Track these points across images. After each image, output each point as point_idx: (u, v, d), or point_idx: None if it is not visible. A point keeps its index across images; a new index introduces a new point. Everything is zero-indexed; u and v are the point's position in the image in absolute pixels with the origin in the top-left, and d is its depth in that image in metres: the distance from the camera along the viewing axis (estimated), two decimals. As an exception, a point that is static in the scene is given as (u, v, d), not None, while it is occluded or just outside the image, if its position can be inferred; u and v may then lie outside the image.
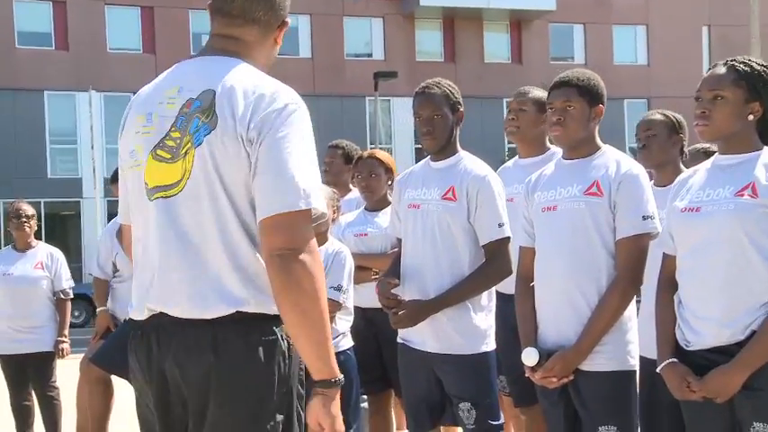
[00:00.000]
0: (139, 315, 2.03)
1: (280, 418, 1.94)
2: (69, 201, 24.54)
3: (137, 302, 2.05)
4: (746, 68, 2.56)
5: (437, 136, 3.29)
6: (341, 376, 1.92)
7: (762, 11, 18.64)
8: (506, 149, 24.99)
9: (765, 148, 2.58)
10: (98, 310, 5.29)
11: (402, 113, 27.44)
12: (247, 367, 1.92)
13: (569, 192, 2.91)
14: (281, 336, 1.95)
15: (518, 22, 28.38)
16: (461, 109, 3.35)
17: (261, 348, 1.91)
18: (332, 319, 3.85)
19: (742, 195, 2.48)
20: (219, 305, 1.92)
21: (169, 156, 1.97)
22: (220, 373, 1.91)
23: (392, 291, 3.27)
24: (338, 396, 1.93)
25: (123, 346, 5.12)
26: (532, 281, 3.01)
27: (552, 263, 2.91)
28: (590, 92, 2.93)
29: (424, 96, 3.30)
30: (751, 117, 2.55)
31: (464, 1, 26.87)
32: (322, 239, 3.91)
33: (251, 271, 1.94)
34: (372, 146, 22.18)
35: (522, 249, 3.09)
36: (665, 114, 3.35)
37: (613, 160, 2.92)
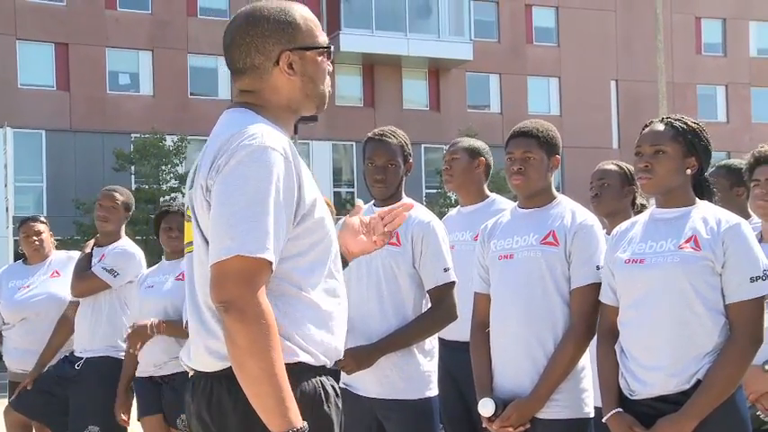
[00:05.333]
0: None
1: None
2: (-27, 239, 23.59)
3: None
4: (683, 125, 2.67)
5: (389, 184, 3.32)
6: (300, 425, 1.80)
7: (667, 68, 19.56)
8: (424, 194, 25.29)
9: (699, 201, 2.68)
10: None
11: (321, 157, 27.51)
12: (238, 426, 1.88)
13: (526, 241, 2.96)
14: None
15: (436, 71, 28.95)
16: (411, 160, 3.40)
17: (248, 405, 1.84)
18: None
19: (685, 248, 2.56)
20: (213, 360, 1.91)
21: (189, 214, 2.01)
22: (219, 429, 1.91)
23: None
24: None
25: (42, 392, 4.91)
26: (487, 327, 3.03)
27: (508, 311, 2.94)
28: (549, 143, 3.01)
29: (381, 144, 3.32)
30: (689, 171, 2.66)
31: (384, 48, 27.29)
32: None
33: None
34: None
35: (478, 296, 3.11)
36: (618, 165, 3.47)
37: (569, 210, 2.99)
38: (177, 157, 23.75)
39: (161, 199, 23.05)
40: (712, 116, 30.29)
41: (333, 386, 2.00)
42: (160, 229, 4.45)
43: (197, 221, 1.94)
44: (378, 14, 27.42)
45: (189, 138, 24.21)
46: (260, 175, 1.82)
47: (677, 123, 2.68)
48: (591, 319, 2.89)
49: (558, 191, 3.14)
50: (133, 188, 21.58)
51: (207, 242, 1.90)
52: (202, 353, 1.93)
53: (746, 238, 2.57)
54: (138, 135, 24.06)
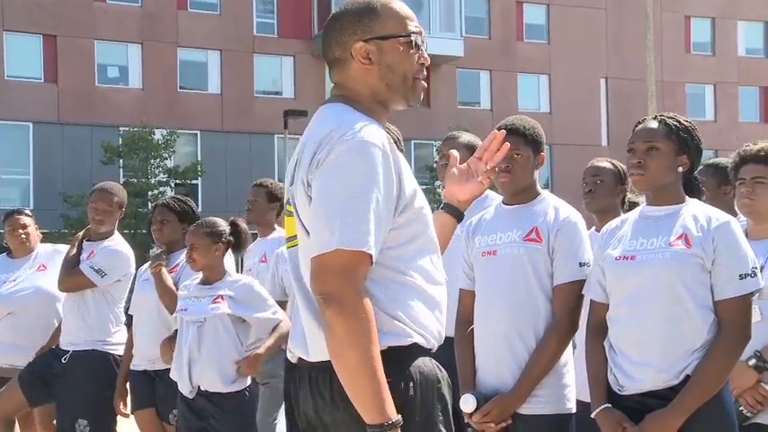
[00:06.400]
0: (290, 358, 2.10)
1: None
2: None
3: None
4: (676, 123, 2.70)
5: None
6: (395, 419, 1.80)
7: (656, 67, 19.62)
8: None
9: (689, 199, 2.70)
10: None
11: (310, 152, 27.48)
12: (332, 417, 1.91)
13: (509, 237, 2.96)
14: None
15: (426, 67, 28.90)
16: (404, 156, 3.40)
17: (343, 395, 1.86)
18: None
19: (676, 245, 2.58)
20: (319, 351, 1.92)
21: (291, 209, 2.01)
22: (321, 418, 1.94)
23: None
24: None
25: (42, 381, 4.88)
26: (472, 324, 3.03)
27: (491, 307, 2.95)
28: (535, 140, 3.03)
29: None
30: (680, 169, 2.68)
31: (374, 43, 27.26)
32: (216, 274, 3.92)
33: None
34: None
35: (462, 292, 3.11)
36: (612, 163, 3.48)
37: (552, 207, 2.99)
38: (166, 150, 23.67)
39: (149, 193, 23.00)
40: (700, 115, 30.41)
41: (441, 368, 2.01)
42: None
43: (299, 216, 1.96)
44: (368, 10, 27.37)
45: (178, 131, 24.14)
46: (359, 169, 1.85)
47: (670, 121, 2.70)
48: (574, 315, 2.91)
49: (546, 188, 3.13)
50: (121, 182, 21.48)
51: (307, 233, 1.93)
52: (312, 344, 1.95)
53: (736, 235, 2.59)
54: (127, 128, 23.97)
